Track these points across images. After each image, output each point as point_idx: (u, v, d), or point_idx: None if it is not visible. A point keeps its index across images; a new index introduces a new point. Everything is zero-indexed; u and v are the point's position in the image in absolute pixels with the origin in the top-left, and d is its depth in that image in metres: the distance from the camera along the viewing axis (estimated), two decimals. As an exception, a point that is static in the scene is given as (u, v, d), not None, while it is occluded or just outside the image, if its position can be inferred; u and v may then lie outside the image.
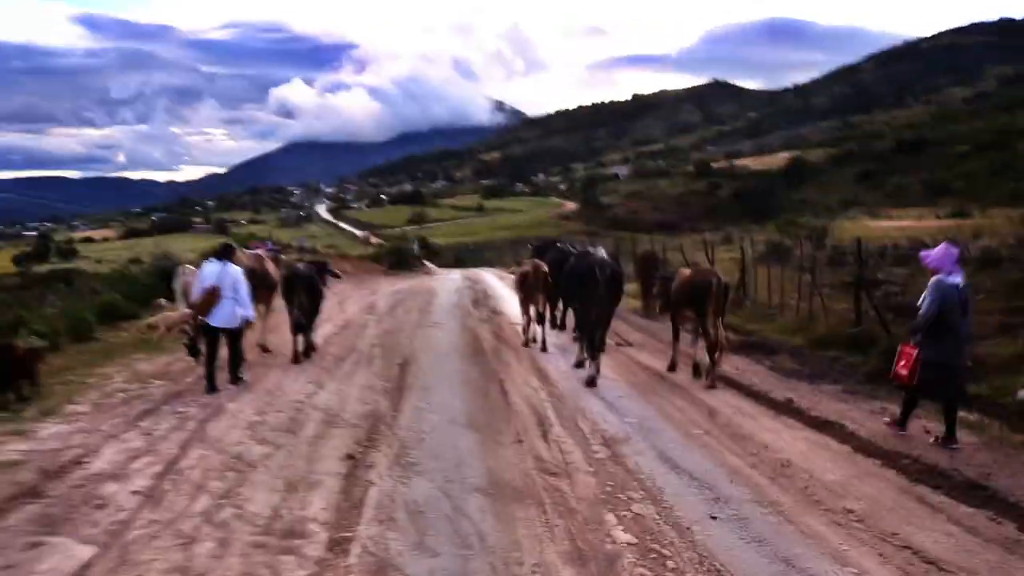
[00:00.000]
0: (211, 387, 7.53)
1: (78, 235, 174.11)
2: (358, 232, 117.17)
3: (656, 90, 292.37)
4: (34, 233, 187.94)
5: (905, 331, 6.49)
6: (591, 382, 7.76)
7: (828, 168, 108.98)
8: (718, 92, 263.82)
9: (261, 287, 9.28)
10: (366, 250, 48.08)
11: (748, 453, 5.55)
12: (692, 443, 5.82)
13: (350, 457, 5.41)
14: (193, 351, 8.96)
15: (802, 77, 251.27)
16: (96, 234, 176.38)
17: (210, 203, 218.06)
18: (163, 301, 13.91)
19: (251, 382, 7.94)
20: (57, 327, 11.17)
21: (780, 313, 12.49)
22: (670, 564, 3.72)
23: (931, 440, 5.77)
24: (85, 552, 3.81)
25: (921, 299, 6.02)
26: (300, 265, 10.29)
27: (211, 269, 7.85)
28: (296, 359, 9.09)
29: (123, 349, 10.38)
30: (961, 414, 6.04)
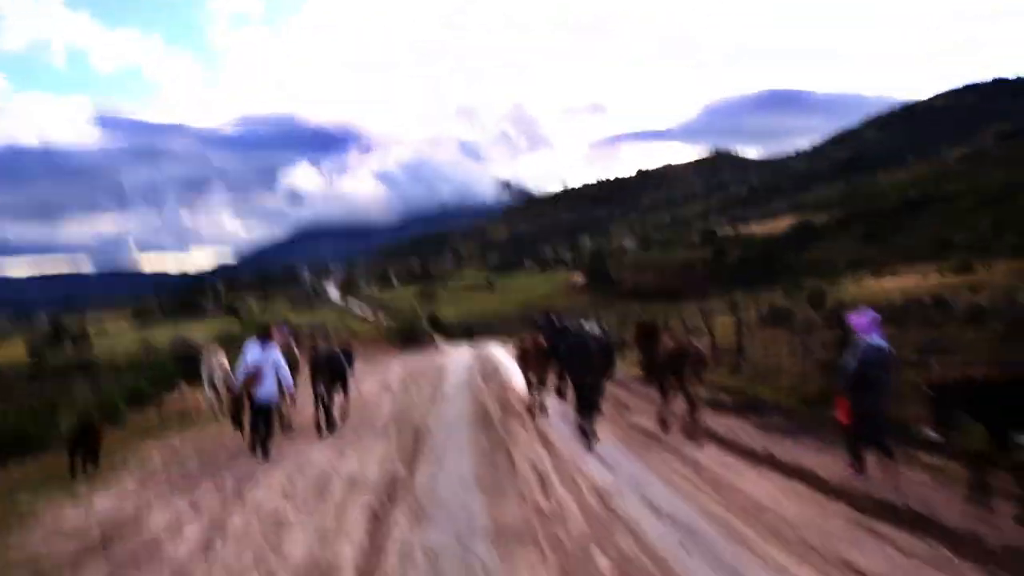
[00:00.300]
0: (260, 453, 8.62)
1: (92, 323, 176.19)
2: (367, 313, 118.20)
3: (660, 164, 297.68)
4: (47, 324, 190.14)
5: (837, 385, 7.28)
6: (588, 445, 8.52)
7: (833, 229, 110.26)
8: (721, 162, 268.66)
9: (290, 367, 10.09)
10: (378, 330, 49.11)
11: (725, 499, 6.27)
12: (676, 492, 6.53)
13: (374, 516, 6.16)
14: (237, 421, 9.84)
15: (803, 143, 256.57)
16: (109, 322, 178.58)
17: (220, 288, 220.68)
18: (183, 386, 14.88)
19: (281, 453, 8.75)
20: (90, 411, 12.05)
21: (775, 375, 13.15)
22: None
23: (883, 478, 6.49)
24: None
25: (845, 358, 6.87)
26: (323, 347, 11.28)
27: (254, 350, 8.85)
28: (321, 430, 10.00)
29: (154, 430, 11.19)
30: (928, 458, 6.82)
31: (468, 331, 49.51)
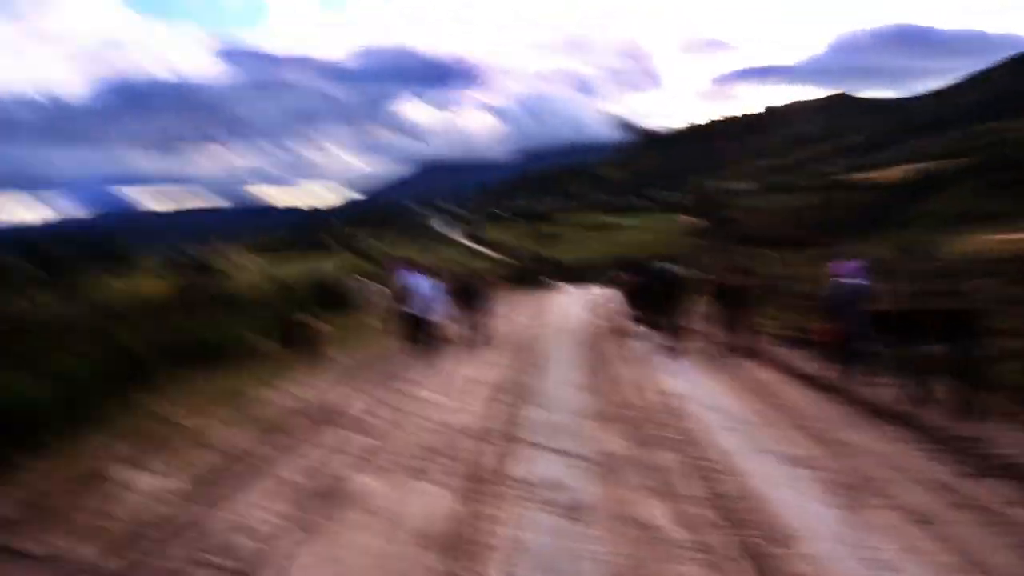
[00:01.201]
0: (424, 348, 11.82)
1: (219, 256, 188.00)
2: (484, 251, 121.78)
3: (782, 103, 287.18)
4: (182, 256, 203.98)
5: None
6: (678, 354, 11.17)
7: (956, 178, 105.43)
8: (845, 104, 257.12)
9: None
10: (494, 269, 51.96)
11: (764, 402, 8.38)
12: (736, 400, 8.65)
13: (506, 403, 8.59)
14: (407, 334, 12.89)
15: (935, 84, 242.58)
16: (235, 256, 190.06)
17: (342, 225, 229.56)
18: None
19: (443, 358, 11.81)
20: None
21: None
22: (703, 454, 6.59)
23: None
24: (362, 440, 7.09)
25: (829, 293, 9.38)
26: (465, 279, 14.40)
27: (412, 278, 12.05)
28: (474, 346, 13.27)
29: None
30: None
31: (580, 274, 51.63)
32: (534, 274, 40.56)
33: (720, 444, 6.67)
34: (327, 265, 54.93)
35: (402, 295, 11.89)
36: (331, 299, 20.79)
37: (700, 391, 9.03)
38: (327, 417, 8.07)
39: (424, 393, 9.25)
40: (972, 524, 4.65)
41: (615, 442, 6.83)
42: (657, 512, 4.99)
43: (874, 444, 6.58)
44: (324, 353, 12.44)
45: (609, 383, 9.77)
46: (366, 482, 5.76)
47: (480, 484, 5.65)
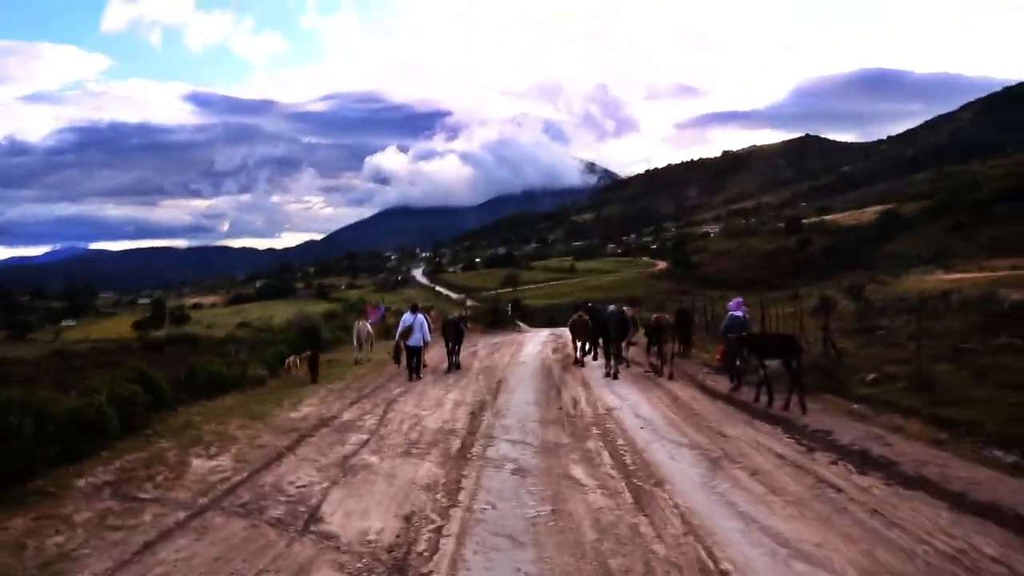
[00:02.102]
0: (413, 376, 14.62)
1: (188, 301, 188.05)
2: (453, 295, 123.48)
3: (747, 146, 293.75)
4: (147, 300, 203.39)
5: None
6: (614, 377, 13.54)
7: (921, 220, 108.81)
8: (810, 146, 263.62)
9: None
10: (463, 311, 54.17)
11: (679, 411, 10.63)
12: (653, 409, 10.90)
13: (472, 414, 10.75)
14: (397, 359, 15.67)
15: (898, 128, 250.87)
16: (204, 300, 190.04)
17: (310, 269, 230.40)
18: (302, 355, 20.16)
19: (421, 381, 13.90)
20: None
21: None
22: (618, 442, 8.81)
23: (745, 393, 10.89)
24: (363, 437, 9.22)
25: (722, 324, 12.26)
26: (451, 317, 17.15)
27: (409, 316, 14.83)
28: (449, 370, 15.84)
29: (304, 384, 16.12)
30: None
31: (549, 316, 53.81)
32: (505, 317, 42.61)
33: (633, 436, 8.94)
34: (309, 309, 56.73)
35: (404, 331, 14.95)
36: (315, 339, 22.87)
37: (627, 403, 11.30)
38: (332, 423, 10.20)
39: (408, 407, 11.41)
40: (786, 474, 6.96)
41: (555, 435, 9.09)
42: (577, 471, 7.24)
43: (742, 432, 8.92)
44: (320, 381, 14.62)
45: (556, 399, 12.01)
46: (370, 459, 7.95)
47: (452, 459, 7.86)
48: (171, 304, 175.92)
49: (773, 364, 10.26)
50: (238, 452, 8.36)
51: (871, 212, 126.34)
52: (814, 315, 20.39)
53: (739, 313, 12.45)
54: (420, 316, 15.20)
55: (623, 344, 15.15)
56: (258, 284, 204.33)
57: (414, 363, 14.92)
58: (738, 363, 11.71)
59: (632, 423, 9.77)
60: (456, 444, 8.64)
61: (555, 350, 20.68)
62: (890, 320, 19.37)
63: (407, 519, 5.99)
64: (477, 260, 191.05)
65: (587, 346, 16.76)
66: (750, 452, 7.91)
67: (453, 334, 16.64)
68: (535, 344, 23.56)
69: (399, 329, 15.26)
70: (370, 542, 5.50)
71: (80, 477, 7.16)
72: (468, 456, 8.00)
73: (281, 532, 5.72)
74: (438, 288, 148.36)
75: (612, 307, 16.39)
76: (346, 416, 10.77)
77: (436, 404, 11.66)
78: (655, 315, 16.25)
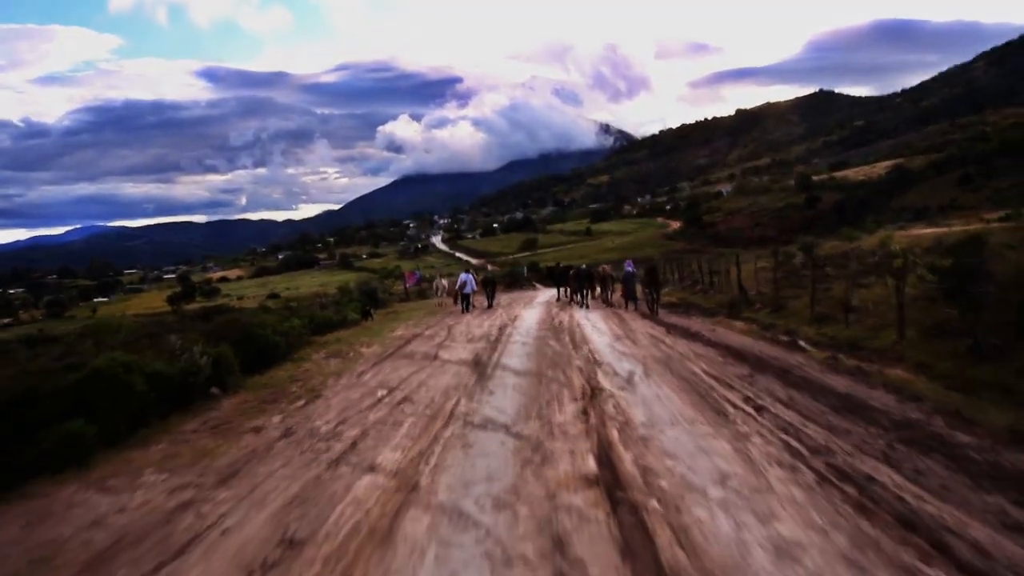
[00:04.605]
0: (465, 309, 23.36)
1: (214, 275, 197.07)
2: (473, 260, 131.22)
3: (761, 103, 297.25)
4: (172, 275, 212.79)
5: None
6: (582, 311, 21.73)
7: (930, 174, 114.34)
8: (824, 101, 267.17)
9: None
10: (495, 271, 62.71)
11: (622, 326, 18.83)
12: (600, 321, 19.09)
13: (500, 327, 19.03)
14: (456, 301, 24.53)
15: (914, 79, 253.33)
16: (229, 273, 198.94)
17: (330, 240, 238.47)
18: (371, 311, 28.50)
19: (470, 314, 22.18)
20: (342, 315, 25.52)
21: (725, 293, 25.33)
22: (576, 334, 16.98)
23: (650, 313, 19.08)
24: (443, 337, 17.48)
25: (624, 274, 21.28)
26: (488, 273, 26.32)
27: (464, 275, 23.82)
28: (488, 307, 24.68)
29: (388, 320, 24.43)
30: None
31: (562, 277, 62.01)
32: (521, 278, 50.76)
33: (584, 332, 17.32)
34: (336, 279, 65.10)
35: (461, 283, 24.07)
36: (374, 298, 31.29)
37: (589, 321, 19.54)
38: (424, 334, 18.57)
39: (462, 326, 19.74)
40: (646, 339, 15.25)
41: (544, 333, 17.45)
42: (552, 343, 15.61)
43: (634, 323, 17.35)
44: (399, 320, 23.09)
45: (550, 319, 20.31)
46: (449, 344, 16.28)
47: (490, 343, 16.19)
48: (196, 278, 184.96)
49: (646, 290, 18.77)
50: (380, 343, 16.72)
51: (881, 167, 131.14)
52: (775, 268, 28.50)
53: (630, 269, 21.91)
54: (470, 274, 24.55)
55: (598, 290, 23.79)
56: (280, 256, 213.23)
57: (466, 303, 24.08)
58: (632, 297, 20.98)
59: (586, 327, 18.08)
60: (492, 337, 16.95)
61: (557, 299, 28.98)
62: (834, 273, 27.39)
63: (475, 355, 14.22)
64: (495, 225, 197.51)
65: (569, 292, 25.80)
66: (635, 333, 16.19)
67: (490, 286, 26.55)
68: (544, 296, 31.90)
69: (457, 283, 24.47)
70: (462, 360, 13.75)
71: (315, 352, 15.55)
72: (498, 341, 16.28)
73: (424, 362, 13.96)
74: (458, 254, 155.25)
75: (583, 266, 25.28)
76: (427, 332, 19.09)
77: (479, 324, 20.03)
78: (597, 267, 25.08)
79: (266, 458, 7.39)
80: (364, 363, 14.10)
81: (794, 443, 6.89)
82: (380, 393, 10.73)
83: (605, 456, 6.78)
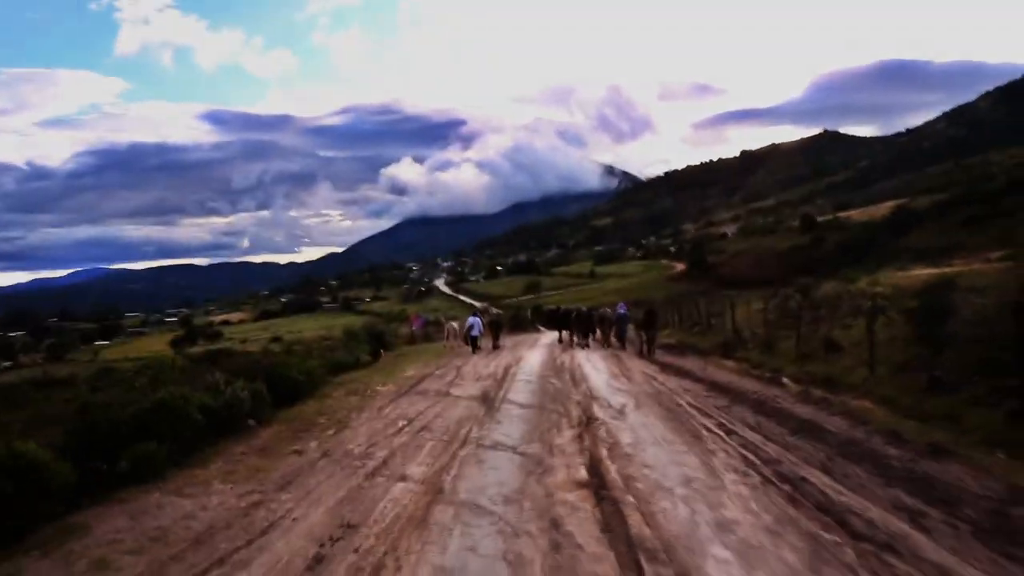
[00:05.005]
0: (474, 350, 24.84)
1: (216, 318, 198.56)
2: (477, 303, 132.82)
3: (766, 144, 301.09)
4: (174, 318, 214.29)
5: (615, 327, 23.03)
6: (582, 352, 23.26)
7: (934, 214, 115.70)
8: (829, 142, 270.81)
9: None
10: (499, 314, 64.42)
11: (620, 367, 20.41)
12: (599, 360, 20.68)
13: (506, 367, 20.62)
14: (466, 342, 25.89)
15: (918, 120, 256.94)
16: (232, 317, 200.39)
17: (333, 283, 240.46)
18: (382, 351, 30.13)
19: (477, 355, 23.72)
20: (353, 357, 27.10)
21: (718, 335, 26.91)
22: (576, 372, 18.58)
23: (648, 358, 20.62)
24: (452, 376, 19.05)
25: (615, 316, 22.92)
26: (493, 316, 27.70)
27: (472, 318, 25.61)
28: (493, 349, 25.93)
29: (399, 362, 26.01)
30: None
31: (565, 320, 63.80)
32: (525, 320, 52.37)
33: (584, 370, 18.93)
34: (339, 323, 66.90)
35: (469, 327, 25.96)
36: (381, 340, 32.91)
37: (589, 362, 21.11)
38: (434, 373, 20.13)
39: (470, 367, 21.32)
40: (640, 377, 16.84)
41: (546, 372, 19.03)
42: (553, 381, 17.21)
43: (630, 363, 18.93)
44: (407, 363, 24.63)
45: (552, 360, 21.89)
46: (459, 382, 17.85)
47: (496, 381, 17.76)
48: (198, 321, 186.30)
49: (643, 333, 20.34)
50: (394, 383, 18.30)
51: (885, 208, 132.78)
52: (773, 310, 30.18)
53: (623, 311, 24.18)
54: (477, 318, 26.58)
55: (598, 332, 25.45)
56: (283, 299, 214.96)
57: (474, 345, 25.94)
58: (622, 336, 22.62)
59: (585, 366, 19.69)
60: (498, 376, 18.52)
61: (560, 341, 30.57)
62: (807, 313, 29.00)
63: (483, 392, 15.79)
64: (499, 268, 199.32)
65: (571, 335, 27.21)
66: (631, 371, 17.77)
67: (496, 328, 28.01)
68: (547, 339, 33.52)
69: (466, 326, 26.23)
70: (471, 396, 15.32)
71: (335, 391, 17.15)
72: (504, 379, 17.85)
73: (437, 397, 15.53)
74: (461, 297, 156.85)
75: (583, 308, 26.98)
76: (437, 372, 20.66)
77: (485, 365, 21.61)
78: (598, 310, 26.74)
79: (312, 472, 8.97)
80: (382, 399, 15.65)
81: (751, 456, 8.47)
82: (401, 423, 12.29)
83: (594, 468, 8.38)
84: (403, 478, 8.33)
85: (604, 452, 9.10)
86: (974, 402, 10.49)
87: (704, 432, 10.02)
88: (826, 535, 5.86)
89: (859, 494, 6.84)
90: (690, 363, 19.19)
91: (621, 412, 12.11)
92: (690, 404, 12.52)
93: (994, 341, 11.58)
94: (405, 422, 12.40)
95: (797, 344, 18.31)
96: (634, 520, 6.40)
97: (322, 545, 6.22)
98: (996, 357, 11.23)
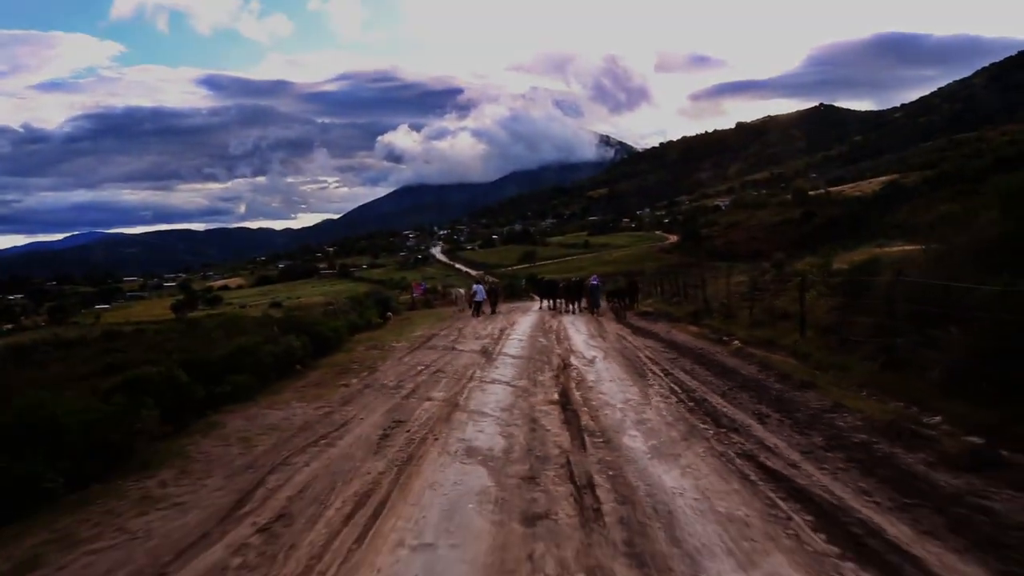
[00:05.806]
0: (476, 314, 28.77)
1: (214, 283, 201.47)
2: (472, 272, 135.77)
3: (762, 116, 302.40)
4: (172, 283, 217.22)
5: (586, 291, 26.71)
6: (570, 317, 26.85)
7: (924, 190, 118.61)
8: (824, 116, 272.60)
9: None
10: (497, 282, 67.94)
11: (599, 328, 23.99)
12: (587, 327, 24.23)
13: (502, 328, 24.18)
14: (471, 309, 29.40)
15: (914, 94, 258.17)
16: (230, 282, 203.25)
17: (330, 249, 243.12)
18: (390, 315, 33.67)
19: (478, 318, 27.29)
20: (363, 318, 30.65)
21: (693, 303, 30.47)
22: (560, 333, 22.11)
23: (625, 317, 24.21)
24: (455, 336, 22.59)
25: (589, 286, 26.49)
26: (491, 284, 31.40)
27: (476, 286, 29.57)
28: (491, 314, 29.62)
29: (405, 324, 29.53)
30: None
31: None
32: (519, 290, 55.86)
33: (567, 331, 22.48)
34: (336, 289, 70.47)
35: (471, 292, 29.54)
36: (387, 306, 36.43)
37: (573, 326, 24.65)
38: (440, 334, 23.67)
39: (471, 328, 24.87)
40: (614, 337, 20.43)
41: (535, 332, 22.61)
42: (541, 339, 20.78)
43: (608, 327, 22.59)
44: (416, 325, 28.19)
45: (541, 323, 25.45)
46: (461, 339, 21.40)
47: (494, 339, 21.32)
48: (196, 287, 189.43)
49: (624, 300, 23.94)
50: (406, 340, 21.83)
51: (876, 183, 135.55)
52: (748, 283, 33.68)
53: (595, 282, 27.64)
54: (481, 286, 30.45)
55: (582, 299, 29.00)
56: (281, 265, 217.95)
57: (476, 309, 29.67)
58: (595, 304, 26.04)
59: (569, 329, 23.27)
60: (495, 336, 22.06)
61: (551, 307, 34.11)
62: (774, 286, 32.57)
63: (483, 347, 19.34)
64: (495, 237, 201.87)
65: (558, 302, 30.79)
66: (607, 333, 21.34)
67: (493, 295, 31.52)
68: (539, 305, 37.10)
69: (471, 292, 29.89)
70: (473, 350, 18.87)
71: (357, 346, 20.71)
72: (500, 338, 21.39)
73: (445, 351, 19.07)
74: (457, 265, 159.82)
75: (572, 279, 30.28)
76: (442, 332, 24.19)
77: (484, 327, 25.21)
78: (583, 278, 30.58)
79: (361, 396, 12.55)
80: (400, 352, 19.21)
81: (676, 388, 12.05)
82: (419, 367, 15.89)
83: (564, 394, 11.99)
84: (429, 399, 11.91)
85: (573, 385, 12.70)
86: (864, 357, 14.02)
87: (650, 375, 13.59)
88: (701, 425, 9.43)
89: (735, 407, 10.40)
90: (659, 327, 22.70)
91: (591, 361, 15.71)
92: (647, 357, 16.07)
93: (887, 311, 15.15)
94: (423, 367, 15.95)
95: (751, 313, 21.82)
96: (585, 419, 9.96)
97: (384, 430, 9.78)
98: (884, 323, 14.79)
